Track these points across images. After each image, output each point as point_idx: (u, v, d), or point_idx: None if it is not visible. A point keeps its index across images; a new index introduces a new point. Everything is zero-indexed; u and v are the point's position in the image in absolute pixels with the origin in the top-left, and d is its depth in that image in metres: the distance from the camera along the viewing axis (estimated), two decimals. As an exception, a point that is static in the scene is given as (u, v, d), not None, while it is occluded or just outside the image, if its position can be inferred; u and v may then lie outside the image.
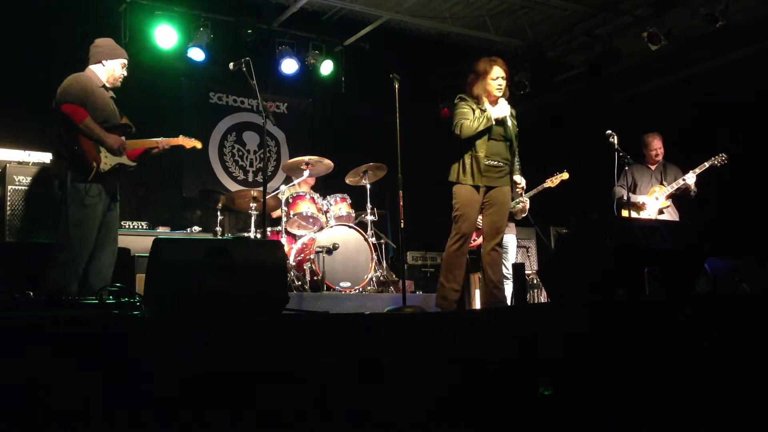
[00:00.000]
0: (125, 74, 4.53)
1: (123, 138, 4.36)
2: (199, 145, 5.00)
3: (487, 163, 4.40)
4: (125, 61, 4.53)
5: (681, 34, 7.61)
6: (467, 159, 4.39)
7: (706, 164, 5.87)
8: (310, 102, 8.81)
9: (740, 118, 7.17)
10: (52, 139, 4.28)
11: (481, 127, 4.34)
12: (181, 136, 4.85)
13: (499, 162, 4.47)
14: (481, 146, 4.39)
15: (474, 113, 4.40)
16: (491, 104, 4.46)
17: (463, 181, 4.40)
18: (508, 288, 6.09)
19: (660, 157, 6.09)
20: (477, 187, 4.42)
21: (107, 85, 4.44)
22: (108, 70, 4.43)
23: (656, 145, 6.09)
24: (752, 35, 7.23)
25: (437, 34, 8.69)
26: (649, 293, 2.88)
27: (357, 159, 6.50)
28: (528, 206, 6.23)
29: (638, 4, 7.46)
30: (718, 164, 5.86)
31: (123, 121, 4.45)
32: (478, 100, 4.45)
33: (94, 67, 4.41)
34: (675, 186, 5.91)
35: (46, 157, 4.97)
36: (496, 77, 4.46)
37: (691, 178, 5.86)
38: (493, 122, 4.39)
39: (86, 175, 4.11)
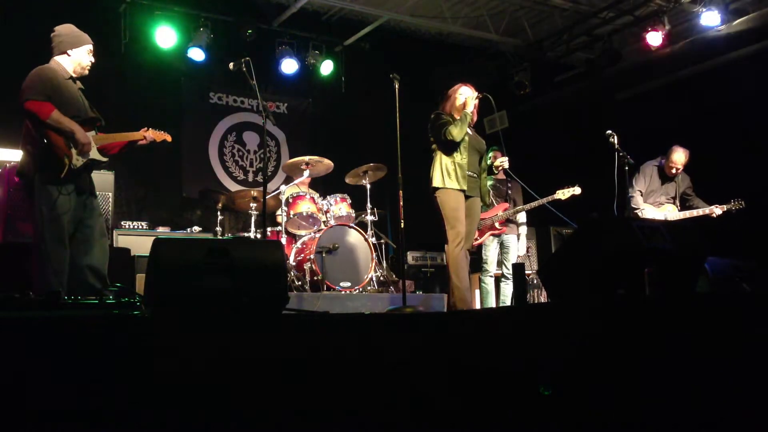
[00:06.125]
0: (93, 60, 4.22)
1: (93, 132, 4.09)
2: (168, 138, 4.59)
3: (467, 172, 4.67)
4: (91, 47, 4.20)
5: (681, 33, 7.63)
6: (450, 166, 4.63)
7: (725, 207, 5.85)
8: (310, 102, 8.81)
9: (740, 118, 7.17)
10: (23, 137, 4.01)
11: (465, 125, 4.66)
12: (150, 129, 4.49)
13: (473, 174, 4.75)
14: (463, 155, 4.67)
15: (453, 120, 4.71)
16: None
17: (450, 185, 4.59)
18: (508, 288, 6.09)
19: (679, 172, 6.00)
20: (463, 192, 4.63)
21: (74, 75, 4.14)
22: (74, 59, 4.13)
23: (681, 162, 5.93)
24: (752, 35, 7.23)
25: (437, 34, 8.70)
26: (649, 293, 2.88)
27: (357, 159, 6.50)
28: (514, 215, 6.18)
29: (638, 4, 7.46)
30: (734, 210, 5.84)
31: (93, 115, 4.17)
32: (451, 117, 4.76)
33: (58, 58, 4.10)
34: (690, 214, 5.91)
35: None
36: (462, 93, 4.83)
37: (717, 211, 5.86)
38: (473, 116, 4.77)
39: (57, 174, 3.86)
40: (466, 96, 4.79)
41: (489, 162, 5.51)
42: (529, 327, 2.60)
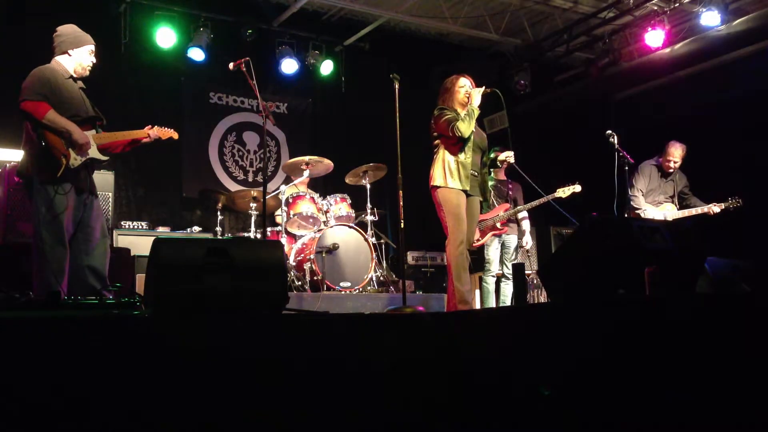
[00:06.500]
0: (94, 61, 4.24)
1: (94, 131, 4.12)
2: (175, 135, 4.68)
3: (470, 171, 4.56)
4: (92, 47, 4.21)
5: (681, 33, 7.62)
6: (453, 164, 4.51)
7: (723, 205, 5.85)
8: (310, 102, 8.81)
9: (740, 118, 7.17)
10: (23, 138, 4.03)
11: (473, 121, 4.52)
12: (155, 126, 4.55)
13: (475, 172, 4.64)
14: (467, 153, 4.55)
15: (459, 115, 4.54)
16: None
17: (452, 185, 4.48)
18: (509, 288, 6.09)
19: (676, 167, 6.02)
20: (465, 192, 4.52)
21: (75, 75, 4.16)
22: (75, 60, 4.15)
23: (678, 156, 5.95)
24: (752, 35, 7.23)
25: (437, 34, 8.70)
26: (649, 293, 2.88)
27: (357, 159, 6.50)
28: (517, 215, 6.16)
29: (638, 4, 7.47)
30: (732, 208, 5.85)
31: (93, 114, 4.18)
32: (455, 112, 4.60)
33: (59, 58, 4.13)
34: (689, 212, 5.91)
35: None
36: (463, 85, 4.67)
37: (715, 209, 5.87)
38: (478, 110, 4.57)
39: (54, 173, 3.86)
40: (466, 88, 4.65)
41: (492, 156, 5.44)
42: (529, 327, 2.60)
